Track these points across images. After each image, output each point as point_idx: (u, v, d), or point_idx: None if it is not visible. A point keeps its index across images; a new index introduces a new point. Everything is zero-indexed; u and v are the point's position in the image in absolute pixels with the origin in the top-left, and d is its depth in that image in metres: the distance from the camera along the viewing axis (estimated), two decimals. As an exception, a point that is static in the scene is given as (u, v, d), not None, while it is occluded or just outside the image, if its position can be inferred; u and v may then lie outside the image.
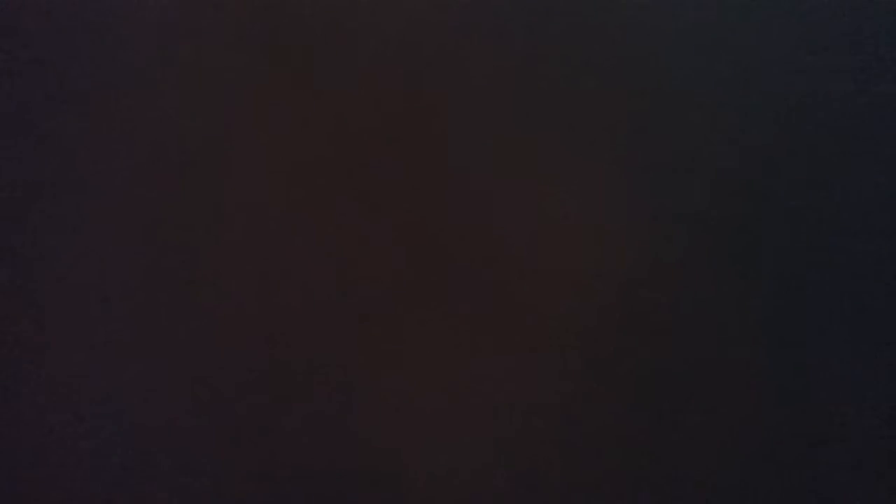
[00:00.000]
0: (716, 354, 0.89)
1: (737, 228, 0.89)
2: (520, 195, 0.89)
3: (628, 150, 0.90)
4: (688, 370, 0.89)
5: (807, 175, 0.90)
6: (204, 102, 0.90)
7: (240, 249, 0.89)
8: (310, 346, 0.89)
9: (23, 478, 0.88)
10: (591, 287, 0.89)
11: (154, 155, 0.89)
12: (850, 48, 0.91)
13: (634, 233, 0.89)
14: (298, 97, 0.90)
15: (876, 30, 0.91)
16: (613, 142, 0.90)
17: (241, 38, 0.90)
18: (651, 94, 0.90)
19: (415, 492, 0.88)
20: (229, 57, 0.90)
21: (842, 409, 0.89)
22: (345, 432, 0.88)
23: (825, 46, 0.91)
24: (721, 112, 0.90)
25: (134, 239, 0.89)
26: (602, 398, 0.89)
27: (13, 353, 0.88)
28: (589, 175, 0.90)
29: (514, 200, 0.89)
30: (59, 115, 0.89)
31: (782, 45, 0.91)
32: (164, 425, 0.88)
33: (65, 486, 0.88)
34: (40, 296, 0.88)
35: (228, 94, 0.90)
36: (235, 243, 0.89)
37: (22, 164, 0.89)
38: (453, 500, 0.88)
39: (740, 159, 0.90)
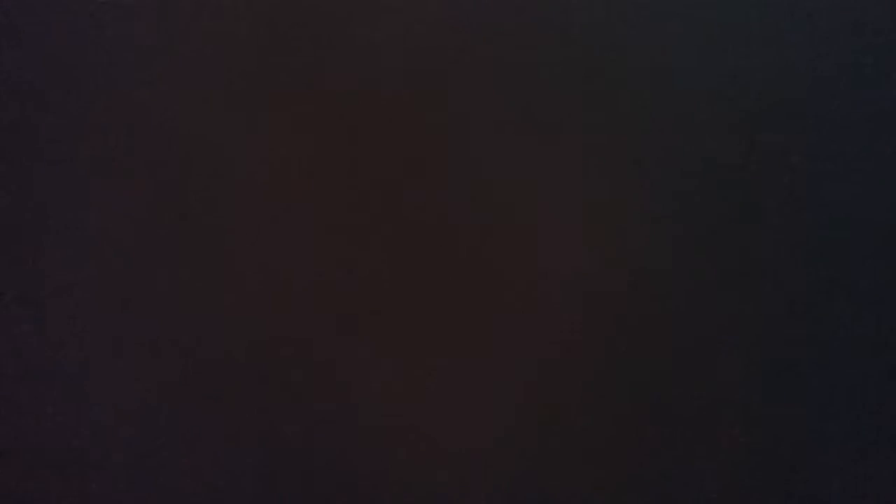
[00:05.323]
0: (715, 354, 0.89)
1: (737, 229, 0.89)
2: (520, 195, 0.89)
3: (627, 150, 0.90)
4: (687, 370, 0.89)
5: (806, 175, 0.90)
6: (204, 102, 0.90)
7: (240, 249, 0.89)
8: (310, 346, 0.89)
9: (22, 477, 0.88)
10: (591, 287, 0.89)
11: (154, 155, 0.89)
12: (850, 46, 0.91)
13: (633, 233, 0.89)
14: (298, 97, 0.90)
15: (876, 28, 0.91)
16: (612, 142, 0.90)
17: (242, 37, 0.90)
18: (649, 94, 0.90)
19: (415, 492, 0.88)
20: (229, 56, 0.90)
21: (842, 409, 0.89)
22: (344, 433, 0.88)
23: (824, 45, 0.91)
24: (721, 111, 0.90)
25: (134, 239, 0.89)
26: (602, 399, 0.89)
27: (13, 352, 0.88)
28: (588, 175, 0.90)
29: (514, 200, 0.89)
30: (59, 115, 0.89)
31: (781, 43, 0.91)
32: (164, 425, 0.88)
33: (64, 485, 0.88)
34: (39, 295, 0.88)
35: (228, 94, 0.90)
36: (236, 243, 0.89)
37: (22, 164, 0.89)
38: (454, 500, 0.88)
39: (740, 159, 0.90)
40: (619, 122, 0.90)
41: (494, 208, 0.89)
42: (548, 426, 0.89)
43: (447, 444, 0.88)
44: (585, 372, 0.89)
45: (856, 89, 0.91)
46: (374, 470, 0.88)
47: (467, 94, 0.90)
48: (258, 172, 0.89)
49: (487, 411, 0.89)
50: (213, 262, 0.89)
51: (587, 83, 0.90)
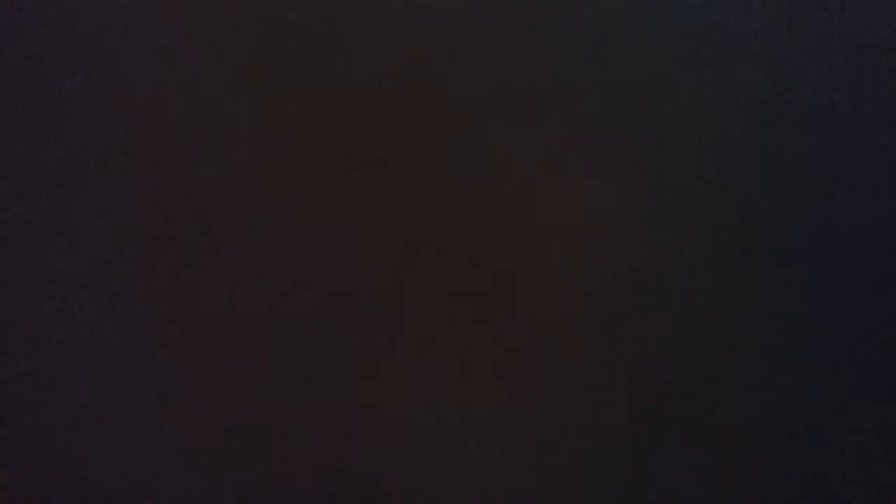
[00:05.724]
0: (715, 354, 0.89)
1: (737, 229, 0.89)
2: (520, 195, 0.89)
3: (627, 151, 0.90)
4: (687, 370, 0.89)
5: (807, 175, 0.90)
6: (204, 102, 0.90)
7: (240, 249, 0.89)
8: (310, 346, 0.89)
9: (22, 478, 0.88)
10: (591, 287, 0.89)
11: (154, 155, 0.89)
12: (850, 46, 0.91)
13: (634, 233, 0.89)
14: (297, 97, 0.90)
15: (877, 28, 0.91)
16: (613, 142, 0.90)
17: (241, 37, 0.90)
18: (649, 95, 0.90)
19: (415, 492, 0.88)
20: (229, 56, 0.90)
21: (841, 409, 0.89)
22: (344, 433, 0.88)
23: (824, 44, 0.91)
24: (720, 111, 0.90)
25: (133, 240, 0.89)
26: (601, 400, 0.89)
27: (13, 353, 0.88)
28: (588, 174, 0.90)
29: (514, 200, 0.89)
30: (59, 114, 0.89)
31: (782, 43, 0.91)
32: (163, 425, 0.88)
33: (65, 486, 0.88)
34: (39, 296, 0.88)
35: (228, 94, 0.90)
36: (235, 244, 0.89)
37: (22, 164, 0.89)
38: (454, 501, 0.88)
39: (740, 160, 0.90)
40: (619, 122, 0.90)
41: (494, 208, 0.89)
42: (548, 426, 0.89)
43: (448, 445, 0.88)
44: (585, 372, 0.89)
45: (856, 89, 0.91)
46: (375, 470, 0.88)
47: (467, 94, 0.90)
48: (258, 172, 0.89)
49: (488, 411, 0.89)
50: (214, 262, 0.89)
51: (588, 83, 0.90)
